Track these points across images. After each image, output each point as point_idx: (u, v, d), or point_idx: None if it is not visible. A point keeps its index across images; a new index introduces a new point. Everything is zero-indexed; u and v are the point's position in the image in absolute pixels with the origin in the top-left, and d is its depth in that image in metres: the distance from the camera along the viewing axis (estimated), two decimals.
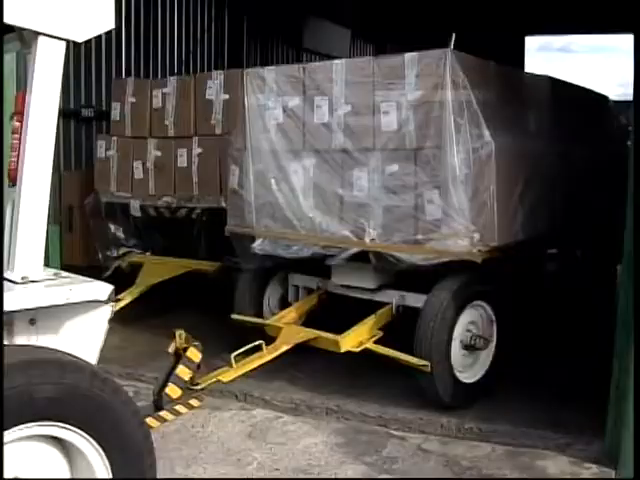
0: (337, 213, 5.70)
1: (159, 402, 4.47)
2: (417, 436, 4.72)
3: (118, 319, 6.30)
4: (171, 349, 4.68)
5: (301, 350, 5.49)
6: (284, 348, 5.52)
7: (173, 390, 4.52)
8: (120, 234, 8.07)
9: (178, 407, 4.56)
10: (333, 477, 4.24)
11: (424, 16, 14.66)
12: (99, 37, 8.60)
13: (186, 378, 4.66)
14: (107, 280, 7.06)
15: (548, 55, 44.59)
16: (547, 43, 42.81)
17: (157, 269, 7.49)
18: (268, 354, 5.40)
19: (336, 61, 5.70)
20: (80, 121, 9.45)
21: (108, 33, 8.62)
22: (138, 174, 7.73)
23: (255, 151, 6.06)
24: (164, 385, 4.53)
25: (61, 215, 8.52)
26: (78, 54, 9.29)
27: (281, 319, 5.95)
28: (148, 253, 7.95)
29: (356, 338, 5.47)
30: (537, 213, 5.72)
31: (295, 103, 5.85)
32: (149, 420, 4.16)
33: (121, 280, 7.10)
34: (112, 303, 3.45)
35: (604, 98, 8.00)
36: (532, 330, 6.44)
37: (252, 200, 6.09)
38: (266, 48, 13.84)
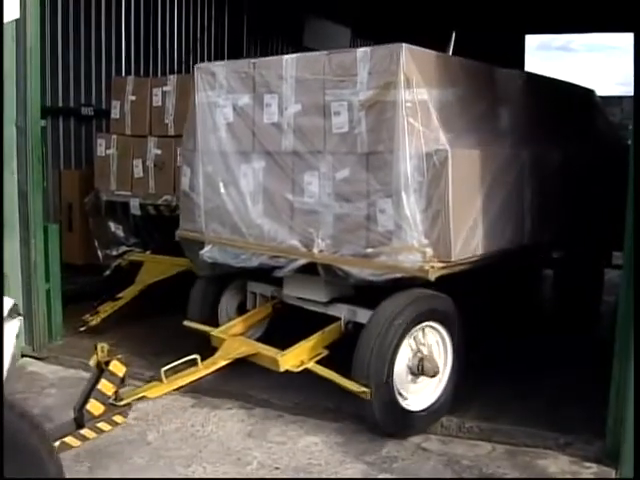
0: (287, 221, 4.98)
1: (80, 419, 4.03)
2: (417, 435, 4.47)
3: (118, 317, 6.45)
4: (92, 362, 4.24)
5: None
6: (221, 363, 4.88)
7: (95, 406, 4.11)
8: (120, 233, 7.69)
9: (101, 424, 4.14)
10: (333, 477, 4.04)
11: (424, 15, 13.86)
12: (99, 35, 8.25)
13: (109, 393, 4.20)
14: (107, 279, 6.75)
15: (548, 54, 43.34)
16: (547, 42, 41.57)
17: (157, 268, 7.09)
18: (203, 369, 4.76)
19: (286, 56, 4.95)
20: (80, 120, 9.05)
21: (108, 31, 8.17)
22: (138, 172, 7.32)
23: (205, 152, 5.35)
24: (85, 401, 4.10)
25: (61, 214, 8.18)
26: (78, 53, 8.93)
27: (229, 330, 5.20)
28: (148, 252, 7.50)
29: (297, 357, 4.77)
30: (505, 224, 4.91)
31: (245, 101, 5.13)
32: (69, 439, 3.92)
33: (121, 278, 6.89)
34: (19, 317, 3.10)
35: (589, 93, 7.08)
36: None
37: (202, 204, 5.39)
38: (266, 47, 13.27)
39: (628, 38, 4.20)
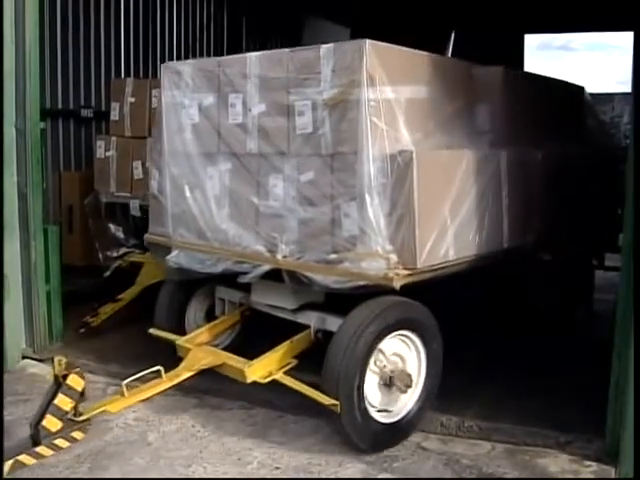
0: (252, 225, 4.70)
1: (36, 436, 3.86)
2: (417, 434, 4.39)
3: (118, 319, 6.31)
4: (50, 376, 4.08)
5: None
6: (185, 375, 4.59)
7: (51, 422, 3.92)
8: (120, 234, 7.49)
9: (58, 441, 3.96)
10: (333, 477, 3.96)
11: (423, 15, 13.51)
12: (98, 37, 7.89)
13: (67, 408, 4.01)
14: (107, 280, 6.54)
15: (548, 53, 42.54)
16: (547, 41, 40.86)
17: (157, 269, 6.72)
18: (167, 381, 4.48)
19: (250, 54, 4.66)
20: (79, 121, 8.87)
21: (107, 33, 7.95)
22: (138, 174, 7.12)
23: (171, 154, 5.08)
24: (41, 417, 3.90)
25: (61, 215, 8.04)
26: (77, 54, 8.75)
27: (195, 338, 4.91)
28: (148, 253, 7.19)
29: (265, 367, 4.48)
30: (480, 227, 4.60)
31: (210, 101, 4.86)
32: (23, 457, 3.76)
33: (121, 280, 6.69)
34: None
35: (578, 90, 6.69)
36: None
37: (169, 207, 5.11)
38: (265, 47, 12.87)
39: (628, 37, 3.97)
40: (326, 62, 4.25)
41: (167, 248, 5.14)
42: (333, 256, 4.25)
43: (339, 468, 4.02)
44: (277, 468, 4.03)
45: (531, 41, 18.03)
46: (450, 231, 4.32)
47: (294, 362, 4.55)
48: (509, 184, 4.88)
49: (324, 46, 4.29)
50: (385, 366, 4.21)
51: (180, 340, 4.86)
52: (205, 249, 4.86)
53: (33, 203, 5.48)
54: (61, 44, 8.49)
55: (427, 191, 4.13)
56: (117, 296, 6.41)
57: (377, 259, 4.08)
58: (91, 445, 4.20)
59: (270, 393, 4.70)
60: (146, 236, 5.33)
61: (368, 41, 4.12)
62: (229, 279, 4.87)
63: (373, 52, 4.12)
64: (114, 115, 7.34)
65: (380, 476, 3.96)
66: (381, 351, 4.19)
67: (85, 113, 8.88)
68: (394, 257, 4.08)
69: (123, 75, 9.44)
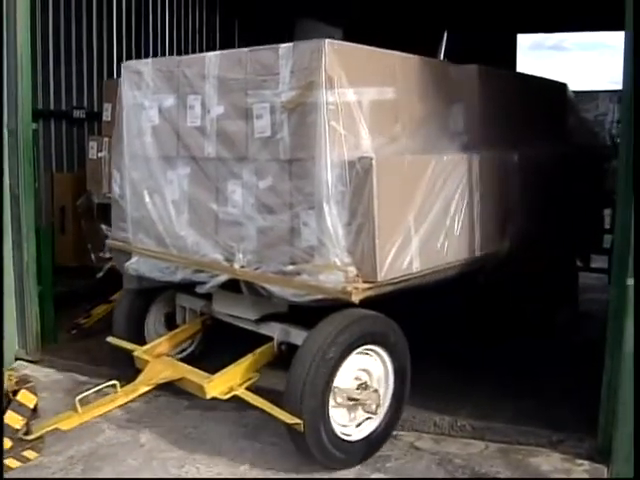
0: (211, 232, 4.41)
1: None
2: (410, 434, 4.33)
3: (110, 320, 5.55)
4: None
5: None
6: (142, 390, 4.36)
7: None
8: None
9: (8, 461, 3.71)
10: (326, 477, 3.86)
11: (416, 15, 13.17)
12: (90, 38, 7.47)
13: (17, 426, 3.79)
14: (100, 281, 6.03)
15: (540, 53, 42.17)
16: (539, 41, 40.46)
17: None
18: (122, 396, 4.25)
19: (209, 54, 4.34)
20: (72, 122, 8.69)
21: (99, 34, 7.72)
22: None
23: (131, 157, 4.81)
24: None
25: (53, 216, 7.87)
26: (69, 55, 8.55)
27: (154, 349, 4.62)
28: None
29: (226, 382, 4.19)
30: (448, 236, 4.27)
31: (170, 103, 4.58)
32: None
33: (114, 281, 6.33)
34: None
35: (561, 88, 6.33)
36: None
37: (129, 212, 4.80)
38: None
39: (620, 36, 3.73)
40: (285, 63, 3.96)
41: (128, 254, 4.84)
42: (290, 267, 3.96)
43: (332, 469, 3.90)
44: (269, 469, 3.92)
45: (523, 41, 17.85)
46: (415, 241, 4.01)
47: (256, 376, 4.29)
48: (482, 188, 4.55)
49: (282, 46, 3.99)
50: (354, 379, 3.94)
51: (138, 351, 4.58)
52: (164, 256, 4.58)
53: (25, 204, 5.35)
54: (53, 45, 8.31)
55: (388, 200, 3.83)
56: (110, 297, 6.20)
57: (335, 271, 3.78)
58: (83, 447, 4.10)
59: (263, 394, 4.41)
60: (107, 241, 5.03)
61: (327, 41, 3.81)
62: (190, 286, 4.58)
63: (333, 52, 3.82)
64: (106, 116, 7.10)
65: (373, 476, 3.88)
66: (349, 366, 3.90)
67: (77, 114, 8.72)
68: (353, 270, 3.79)
69: (115, 76, 9.06)
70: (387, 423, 4.10)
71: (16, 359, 5.42)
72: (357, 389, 3.95)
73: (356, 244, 3.79)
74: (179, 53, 10.79)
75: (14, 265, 5.33)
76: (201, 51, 11.33)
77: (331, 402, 3.82)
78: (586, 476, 3.83)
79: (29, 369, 5.31)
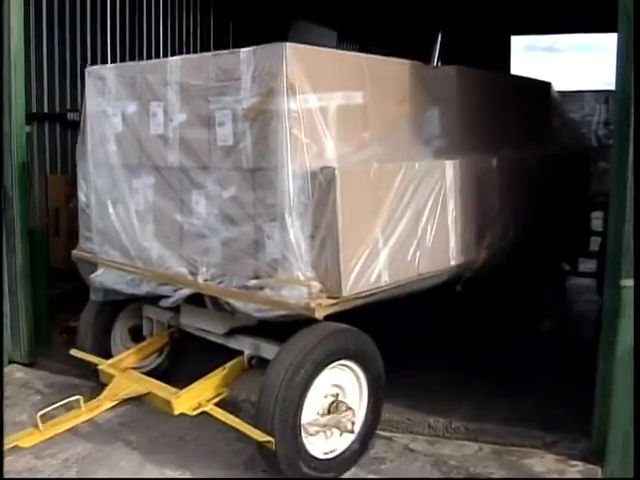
0: (175, 244, 4.16)
1: None
2: (405, 436, 4.28)
3: None
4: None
5: None
6: (106, 405, 4.14)
7: None
8: None
9: None
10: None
11: (410, 17, 12.92)
12: (84, 41, 7.64)
13: None
14: None
15: (533, 55, 41.90)
16: (532, 43, 40.19)
17: None
18: (86, 412, 4.03)
19: (171, 59, 4.11)
20: (66, 125, 8.46)
21: (93, 36, 7.34)
22: None
23: (95, 165, 4.58)
24: None
25: (47, 218, 7.73)
26: (63, 58, 8.37)
27: (120, 362, 4.39)
28: None
29: (194, 398, 3.94)
30: (420, 246, 4.03)
31: (133, 109, 4.34)
32: None
33: None
34: None
35: (544, 87, 6.06)
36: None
37: (94, 222, 4.57)
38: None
39: (613, 38, 3.56)
40: (246, 68, 3.73)
41: (94, 265, 4.62)
42: (253, 282, 3.74)
43: None
44: (264, 471, 3.80)
45: (517, 43, 17.71)
46: (383, 253, 3.78)
47: (226, 392, 4.06)
48: (457, 195, 4.32)
49: (244, 50, 3.76)
50: (327, 396, 3.72)
51: (103, 364, 4.35)
52: (129, 268, 4.36)
53: (19, 206, 5.25)
54: (47, 48, 8.12)
55: (354, 211, 3.60)
56: None
57: (298, 287, 3.55)
58: (78, 449, 4.03)
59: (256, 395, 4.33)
60: (74, 252, 4.81)
61: (288, 44, 3.58)
62: (157, 299, 4.35)
63: (295, 57, 3.59)
64: None
65: (368, 477, 3.83)
66: (322, 381, 3.67)
67: (71, 117, 8.45)
68: (316, 285, 3.57)
69: None
70: (362, 439, 3.88)
71: (10, 362, 5.30)
72: (330, 406, 3.73)
73: (320, 258, 3.57)
74: (173, 55, 10.60)
75: (8, 267, 5.22)
76: (195, 52, 11.16)
77: (304, 420, 3.60)
78: (580, 477, 3.76)
79: (23, 372, 5.21)
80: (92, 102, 4.54)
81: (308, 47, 3.74)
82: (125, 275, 4.39)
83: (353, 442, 3.82)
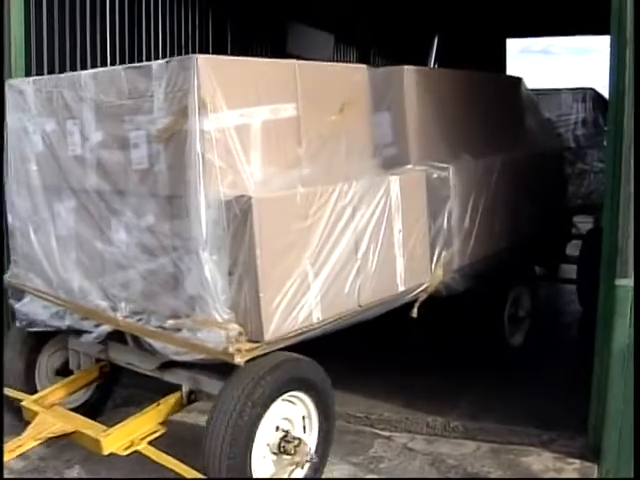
0: (97, 276, 3.71)
1: None
2: (403, 435, 4.25)
3: None
4: None
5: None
6: (29, 445, 3.65)
7: None
8: None
9: None
10: (322, 477, 3.66)
11: (407, 20, 12.46)
12: (84, 43, 7.65)
13: None
14: None
15: (529, 57, 41.10)
16: (528, 45, 39.37)
17: None
18: (7, 454, 3.54)
19: (85, 72, 3.66)
20: None
21: (92, 38, 7.39)
22: None
23: (18, 185, 4.10)
24: None
25: None
26: (63, 61, 7.70)
27: (45, 398, 3.96)
28: None
29: (125, 436, 3.52)
30: (359, 276, 3.56)
31: (51, 127, 3.86)
32: None
33: None
34: None
35: (514, 85, 5.52)
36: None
37: (20, 246, 4.13)
38: (250, 55, 11.87)
39: (608, 41, 3.58)
40: (158, 84, 3.26)
41: (22, 292, 4.19)
42: (170, 322, 3.29)
43: (325, 470, 3.68)
44: None
45: (513, 45, 17.25)
46: (314, 287, 3.31)
47: (161, 429, 3.63)
48: (404, 213, 3.83)
49: (156, 64, 3.31)
50: (274, 435, 3.32)
51: (27, 401, 3.91)
52: (51, 299, 3.92)
53: None
54: (47, 49, 7.53)
55: (276, 243, 3.14)
56: None
57: (215, 329, 3.10)
58: (79, 449, 3.85)
59: None
60: (5, 277, 4.37)
61: (200, 57, 3.11)
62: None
63: (208, 70, 3.11)
64: None
65: (367, 476, 3.79)
66: (272, 416, 3.27)
67: None
68: (235, 327, 3.11)
69: None
70: (315, 470, 3.47)
71: None
72: (281, 441, 3.33)
73: (239, 298, 3.12)
74: (172, 57, 10.24)
75: None
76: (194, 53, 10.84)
77: (254, 457, 3.19)
78: (577, 475, 3.73)
79: None
80: (13, 118, 4.06)
81: (225, 58, 3.31)
82: (51, 306, 3.96)
83: (305, 475, 3.42)
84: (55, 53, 7.63)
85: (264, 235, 3.07)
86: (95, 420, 3.84)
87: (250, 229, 3.04)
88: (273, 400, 3.22)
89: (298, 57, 4.49)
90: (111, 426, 3.58)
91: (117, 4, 8.50)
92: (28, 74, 5.26)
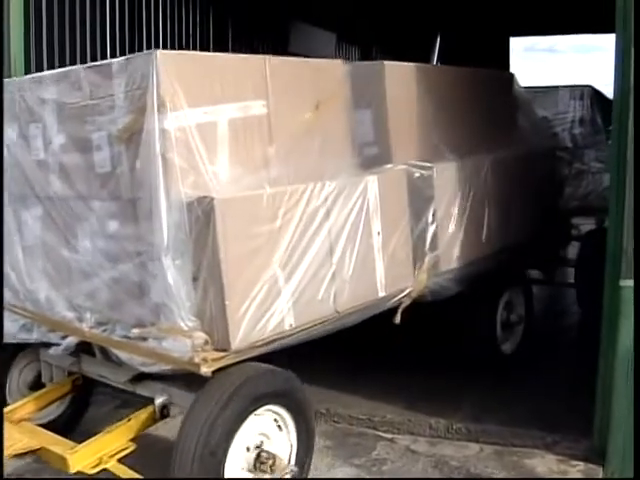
0: (63, 285, 3.53)
1: None
2: (406, 437, 4.22)
3: None
4: None
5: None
6: None
7: None
8: None
9: None
10: (325, 477, 3.73)
11: (409, 19, 12.32)
12: (84, 42, 7.57)
13: None
14: None
15: (534, 55, 41.07)
16: (532, 44, 39.29)
17: None
18: None
19: (46, 73, 3.51)
20: None
21: (93, 37, 7.32)
22: None
23: None
24: None
25: None
26: (63, 60, 7.58)
27: (14, 413, 3.77)
28: None
29: (94, 453, 3.31)
30: (334, 281, 3.38)
31: (15, 132, 3.70)
32: None
33: None
34: None
35: (506, 81, 5.31)
36: None
37: None
38: (251, 53, 11.72)
39: (613, 39, 3.53)
40: (119, 82, 3.09)
41: None
42: (135, 331, 3.10)
43: (328, 472, 3.77)
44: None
45: (517, 44, 17.10)
46: (286, 293, 3.12)
47: (131, 446, 3.43)
48: (384, 215, 3.64)
49: (116, 61, 3.15)
50: (255, 448, 3.12)
51: None
52: (19, 311, 3.74)
53: None
54: (47, 49, 7.39)
55: (242, 246, 2.96)
56: None
57: (180, 337, 2.92)
58: None
59: None
60: None
61: (159, 52, 2.94)
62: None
63: (168, 67, 2.94)
64: None
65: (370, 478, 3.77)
66: (247, 431, 3.06)
67: None
68: (201, 335, 2.92)
69: None
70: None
71: None
72: (257, 458, 3.12)
73: (204, 304, 2.93)
74: None
75: None
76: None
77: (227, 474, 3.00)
78: (582, 477, 3.69)
79: None
80: None
81: (188, 53, 3.20)
82: (19, 319, 3.79)
83: None
84: (55, 52, 7.61)
85: (228, 238, 2.88)
86: (68, 435, 3.67)
87: (213, 232, 2.86)
88: (246, 416, 3.01)
89: (299, 55, 4.39)
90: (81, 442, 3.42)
91: (117, 3, 8.43)
92: (28, 73, 5.17)
